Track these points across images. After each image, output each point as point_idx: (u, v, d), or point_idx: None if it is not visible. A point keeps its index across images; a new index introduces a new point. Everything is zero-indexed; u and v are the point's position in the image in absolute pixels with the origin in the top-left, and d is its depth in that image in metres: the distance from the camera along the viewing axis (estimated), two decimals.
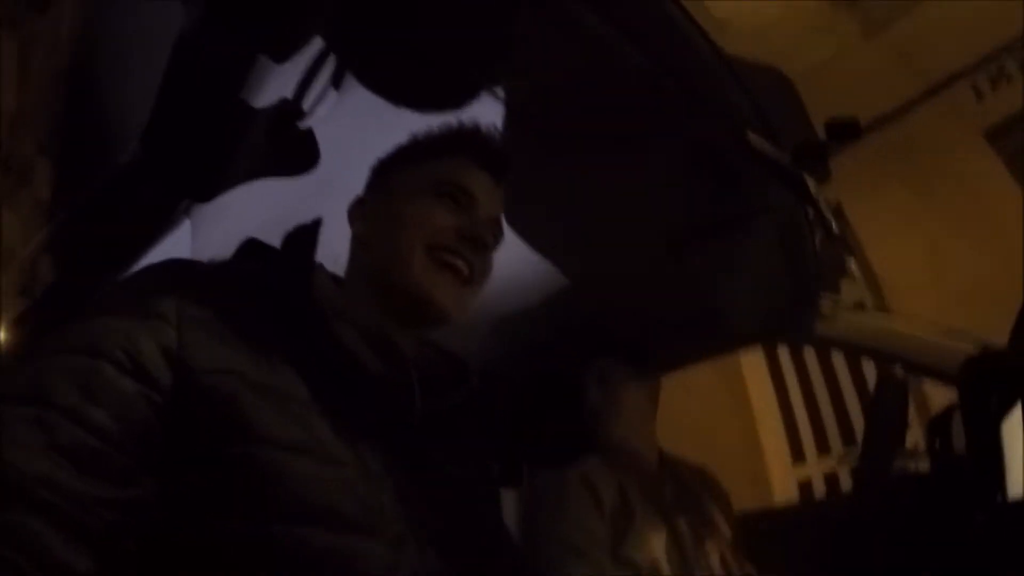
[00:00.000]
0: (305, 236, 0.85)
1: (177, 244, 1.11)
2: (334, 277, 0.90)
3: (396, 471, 0.76)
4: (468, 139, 0.92)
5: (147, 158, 0.91)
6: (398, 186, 0.91)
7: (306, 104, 0.94)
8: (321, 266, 0.86)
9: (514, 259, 1.27)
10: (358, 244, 0.91)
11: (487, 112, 1.02)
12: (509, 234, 1.02)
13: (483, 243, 0.88)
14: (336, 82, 0.95)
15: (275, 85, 0.90)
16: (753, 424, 5.47)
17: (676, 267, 1.57)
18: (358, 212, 0.93)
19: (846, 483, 4.97)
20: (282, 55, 0.86)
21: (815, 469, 5.28)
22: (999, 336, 1.58)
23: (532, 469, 2.10)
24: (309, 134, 0.98)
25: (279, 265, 0.83)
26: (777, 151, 1.20)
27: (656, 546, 1.56)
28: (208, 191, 1.00)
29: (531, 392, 1.89)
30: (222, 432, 0.67)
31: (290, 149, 0.98)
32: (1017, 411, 0.70)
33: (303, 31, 0.87)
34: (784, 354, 5.52)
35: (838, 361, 5.23)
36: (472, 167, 0.91)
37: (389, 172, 0.94)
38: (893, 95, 5.52)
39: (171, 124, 0.91)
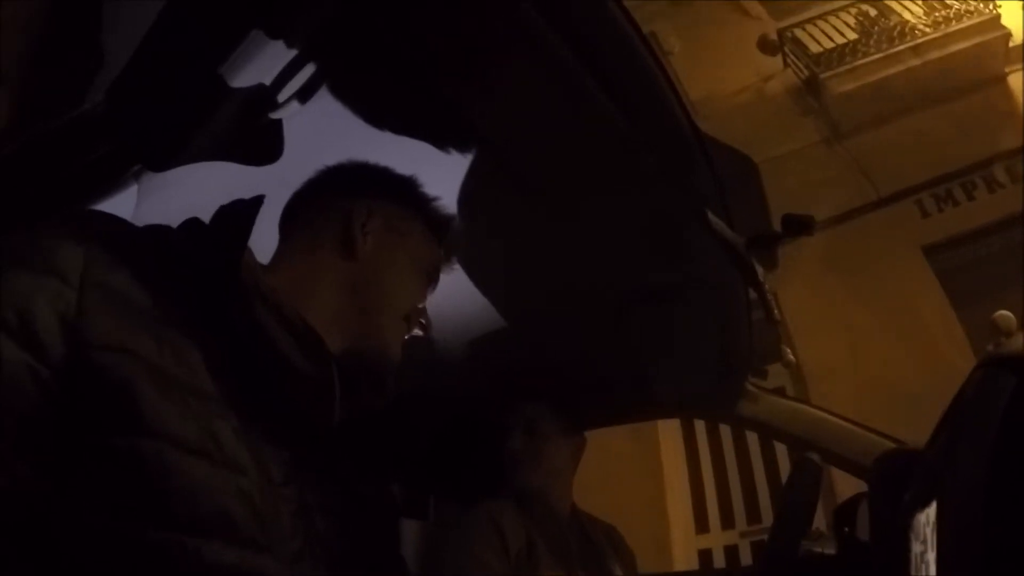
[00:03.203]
0: (243, 212, 0.77)
1: (119, 207, 1.07)
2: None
3: (300, 482, 0.72)
4: (453, 233, 1.03)
5: (109, 113, 0.87)
6: (406, 236, 0.95)
7: (282, 95, 0.92)
8: (249, 249, 0.79)
9: (454, 294, 1.26)
10: (349, 258, 0.89)
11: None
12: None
13: (430, 330, 0.98)
14: (314, 85, 0.94)
15: (255, 69, 0.88)
16: (662, 490, 5.55)
17: (614, 329, 1.59)
18: (360, 223, 0.90)
19: (745, 557, 5.08)
20: (276, 31, 0.84)
21: (717, 541, 5.37)
22: (907, 433, 1.65)
23: (440, 503, 2.08)
24: (277, 126, 0.96)
25: (209, 238, 0.76)
26: (732, 234, 1.23)
27: None
28: (163, 160, 0.96)
29: (451, 426, 1.87)
30: (109, 419, 0.59)
31: (255, 137, 0.96)
32: (928, 510, 0.72)
33: (303, 16, 0.85)
34: (700, 427, 5.64)
35: (752, 440, 5.37)
36: (443, 259, 1.02)
37: (394, 203, 0.96)
38: (843, 199, 5.80)
39: (142, 83, 0.87)
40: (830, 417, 1.91)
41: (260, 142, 0.96)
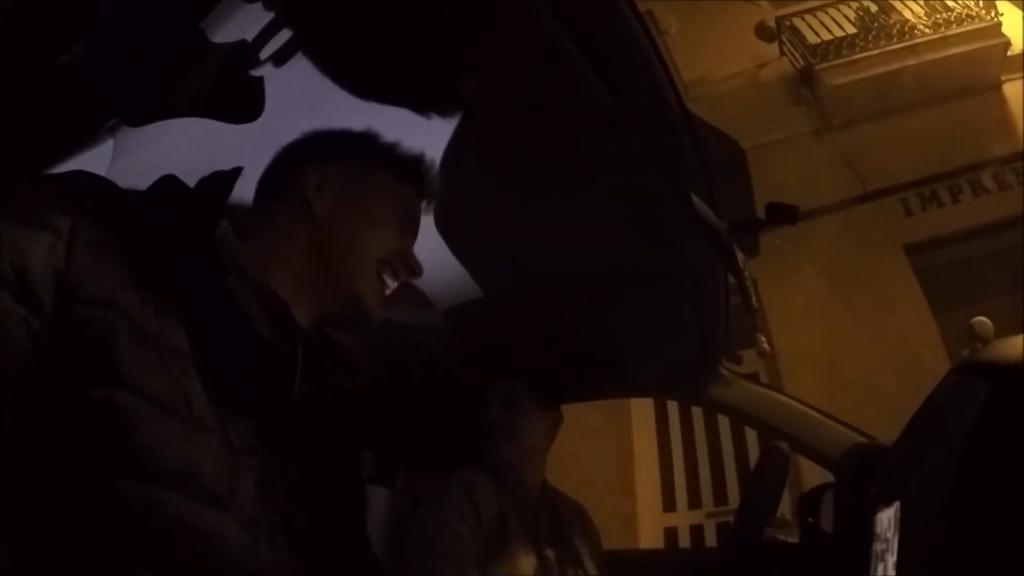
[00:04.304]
0: (221, 182, 0.80)
1: (94, 163, 1.04)
2: (239, 231, 0.84)
3: (261, 452, 0.72)
4: (424, 174, 1.00)
5: (86, 66, 0.85)
6: (368, 184, 0.94)
7: (264, 53, 0.89)
8: (228, 219, 0.80)
9: (431, 263, 1.25)
10: (309, 219, 0.88)
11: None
12: (433, 237, 1.05)
13: (418, 272, 0.97)
14: (290, 50, 0.91)
15: (238, 25, 0.85)
16: (631, 467, 5.60)
17: (592, 309, 1.58)
18: (315, 183, 0.89)
19: (710, 538, 5.17)
20: None
21: (683, 520, 5.45)
22: (876, 429, 1.68)
23: (411, 472, 2.08)
24: (258, 83, 0.93)
25: (187, 206, 0.77)
26: (715, 218, 1.23)
27: (524, 573, 1.57)
28: (141, 115, 0.94)
29: (424, 396, 1.87)
30: (86, 370, 0.60)
31: (235, 94, 0.93)
32: (891, 510, 0.73)
33: None
34: (672, 406, 5.69)
35: (723, 422, 5.43)
36: (419, 200, 1.00)
37: (351, 158, 0.94)
38: (829, 191, 5.81)
39: (121, 36, 0.84)
40: (801, 407, 1.93)
41: (239, 99, 0.93)
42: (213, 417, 0.67)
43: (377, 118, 1.01)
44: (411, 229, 0.98)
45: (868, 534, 0.85)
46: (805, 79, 6.73)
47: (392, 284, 0.94)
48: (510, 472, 1.72)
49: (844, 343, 5.13)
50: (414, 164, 0.99)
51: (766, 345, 1.88)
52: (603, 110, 1.03)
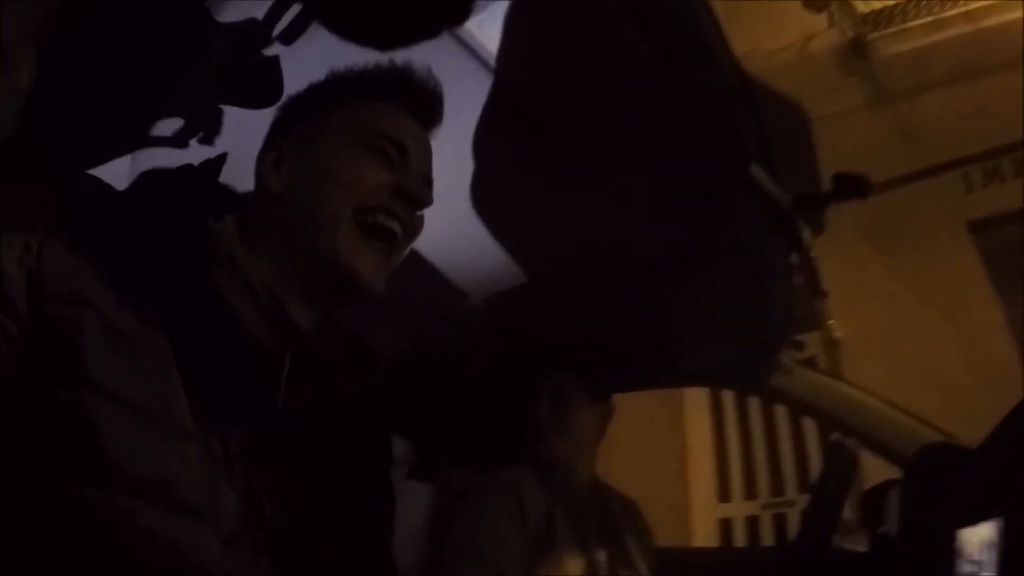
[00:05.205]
0: (206, 172, 0.76)
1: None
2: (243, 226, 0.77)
3: (249, 463, 0.67)
4: (400, 82, 0.84)
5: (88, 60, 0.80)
6: (321, 134, 0.80)
7: (276, 30, 0.83)
8: (232, 214, 0.75)
9: (471, 245, 1.18)
10: (270, 201, 0.78)
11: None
12: (469, 219, 0.96)
13: (419, 199, 0.80)
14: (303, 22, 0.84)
15: (245, 3, 0.79)
16: (685, 456, 5.51)
17: (641, 294, 1.49)
18: (270, 162, 0.79)
19: (766, 529, 5.06)
20: None
21: (739, 510, 5.34)
22: (940, 416, 1.57)
23: (454, 466, 2.03)
24: (274, 62, 0.87)
25: (175, 199, 0.73)
26: (778, 190, 1.12)
27: (571, 574, 1.50)
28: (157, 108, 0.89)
29: (465, 388, 1.81)
30: (54, 370, 0.58)
31: (251, 76, 0.87)
32: (984, 528, 0.64)
33: None
34: (728, 394, 5.56)
35: (780, 410, 5.28)
36: (402, 115, 0.83)
37: (308, 115, 0.82)
38: (886, 167, 5.57)
39: (125, 24, 0.80)
40: (867, 398, 1.82)
41: (255, 81, 0.87)
42: (194, 422, 0.63)
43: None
44: (397, 153, 0.81)
45: (949, 549, 0.75)
46: (856, 50, 6.48)
47: (398, 228, 0.79)
48: (560, 470, 1.65)
49: (904, 325, 4.93)
50: (384, 78, 0.83)
51: (838, 332, 1.76)
52: (646, 70, 0.93)
